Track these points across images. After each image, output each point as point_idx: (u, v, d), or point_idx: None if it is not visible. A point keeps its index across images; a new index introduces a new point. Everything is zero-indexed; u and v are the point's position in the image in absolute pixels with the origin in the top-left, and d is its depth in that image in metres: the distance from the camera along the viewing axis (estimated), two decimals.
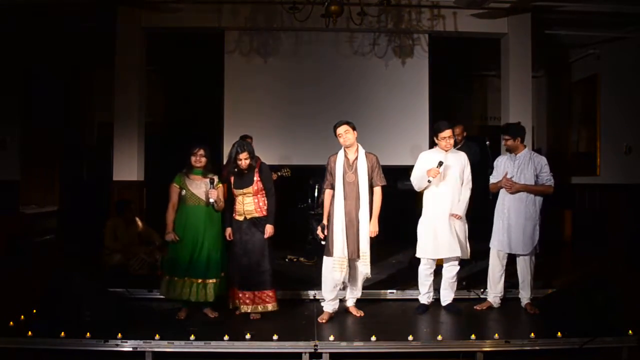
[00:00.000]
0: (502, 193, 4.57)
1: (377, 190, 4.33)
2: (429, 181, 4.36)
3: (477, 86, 9.33)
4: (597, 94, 7.60)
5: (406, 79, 7.04)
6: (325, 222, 4.35)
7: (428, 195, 4.53)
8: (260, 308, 4.31)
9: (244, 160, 4.26)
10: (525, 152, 4.55)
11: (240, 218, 4.34)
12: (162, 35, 6.99)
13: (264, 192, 4.36)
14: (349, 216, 4.24)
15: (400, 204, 6.44)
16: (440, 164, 4.35)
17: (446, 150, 4.49)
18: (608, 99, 7.42)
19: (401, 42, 6.95)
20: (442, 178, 4.42)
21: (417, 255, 4.57)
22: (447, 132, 4.45)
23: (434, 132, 4.56)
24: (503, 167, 4.60)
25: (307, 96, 6.97)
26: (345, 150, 4.33)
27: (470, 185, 4.51)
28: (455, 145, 6.03)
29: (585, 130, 7.95)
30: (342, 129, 4.25)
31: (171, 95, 8.33)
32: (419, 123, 7.02)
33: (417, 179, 4.52)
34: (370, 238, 4.29)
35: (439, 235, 4.41)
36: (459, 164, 4.47)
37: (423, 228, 4.51)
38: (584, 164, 7.87)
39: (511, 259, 4.64)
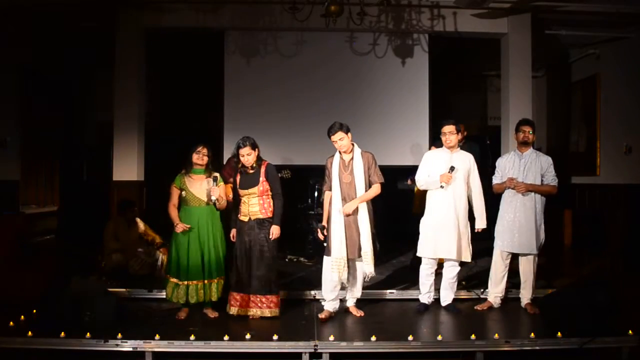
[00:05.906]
0: (507, 193, 4.52)
1: (375, 186, 4.29)
2: (441, 186, 4.35)
3: (477, 86, 9.32)
4: (597, 94, 7.59)
5: (406, 79, 7.03)
6: (324, 223, 4.34)
7: (432, 195, 4.51)
8: (259, 313, 4.25)
9: (246, 156, 4.20)
10: (530, 151, 4.53)
11: (245, 219, 4.31)
12: (162, 35, 6.98)
13: (269, 193, 4.32)
14: (347, 216, 4.22)
15: (400, 204, 6.44)
16: (452, 169, 4.34)
17: (449, 148, 4.46)
18: (608, 99, 7.42)
19: (401, 42, 6.95)
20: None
21: (418, 254, 4.58)
22: (447, 128, 4.41)
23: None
24: (507, 167, 4.55)
25: (307, 96, 6.96)
26: (340, 152, 4.32)
27: (481, 190, 4.46)
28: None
29: (585, 130, 7.94)
30: (336, 137, 4.20)
31: (171, 95, 8.33)
32: (418, 123, 7.01)
33: (425, 181, 4.49)
34: (372, 237, 4.26)
35: (440, 236, 4.39)
36: (464, 165, 4.44)
37: (425, 227, 4.50)
38: (584, 163, 7.86)
39: (512, 259, 4.63)
